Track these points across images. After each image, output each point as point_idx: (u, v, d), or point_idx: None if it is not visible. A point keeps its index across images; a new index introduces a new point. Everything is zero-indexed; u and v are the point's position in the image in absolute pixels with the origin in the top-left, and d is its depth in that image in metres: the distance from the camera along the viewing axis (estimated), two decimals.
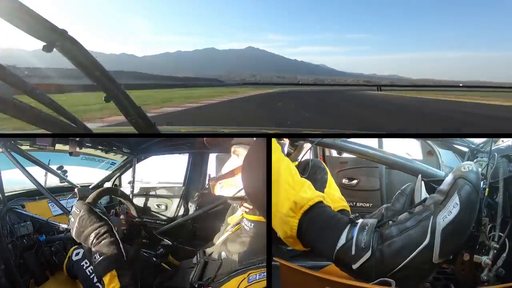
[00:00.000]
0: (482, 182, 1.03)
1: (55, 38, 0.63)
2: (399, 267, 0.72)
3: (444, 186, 0.75)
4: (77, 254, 1.25)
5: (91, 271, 1.18)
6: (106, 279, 0.95)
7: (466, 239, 0.77)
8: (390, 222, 0.79)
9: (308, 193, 0.86)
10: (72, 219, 1.07)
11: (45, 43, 0.63)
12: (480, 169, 0.84)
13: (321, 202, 0.86)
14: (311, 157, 1.27)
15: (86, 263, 1.21)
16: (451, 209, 0.71)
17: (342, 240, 0.78)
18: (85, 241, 1.03)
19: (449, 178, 0.76)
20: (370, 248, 0.74)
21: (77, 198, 1.52)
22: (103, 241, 1.00)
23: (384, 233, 0.76)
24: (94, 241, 1.01)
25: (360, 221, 0.81)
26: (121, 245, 1.02)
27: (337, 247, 0.78)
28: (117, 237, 1.04)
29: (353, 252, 0.76)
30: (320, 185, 1.13)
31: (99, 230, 1.02)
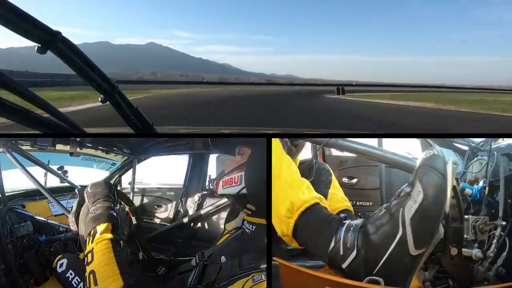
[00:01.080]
0: (482, 181, 1.03)
1: (49, 39, 0.63)
2: (380, 263, 0.71)
3: (411, 176, 0.74)
4: (61, 265, 1.20)
5: (77, 282, 1.14)
6: (100, 228, 0.93)
7: (450, 233, 0.76)
8: (372, 219, 0.79)
9: (305, 195, 0.87)
10: (92, 185, 1.08)
11: (39, 45, 0.63)
12: (442, 150, 0.81)
13: (317, 204, 0.87)
14: (313, 159, 1.29)
15: (71, 274, 1.16)
16: (416, 198, 0.69)
17: (332, 243, 0.79)
18: (89, 198, 1.04)
19: (415, 168, 0.74)
20: (355, 248, 0.75)
21: (77, 199, 1.52)
22: (104, 204, 1.01)
23: (364, 231, 0.76)
24: (98, 199, 1.02)
25: (347, 222, 0.81)
26: (119, 216, 1.03)
27: (329, 250, 0.79)
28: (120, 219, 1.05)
29: (341, 253, 0.77)
30: (324, 186, 1.16)
31: (104, 197, 1.03)
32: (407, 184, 0.75)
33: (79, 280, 1.13)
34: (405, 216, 0.69)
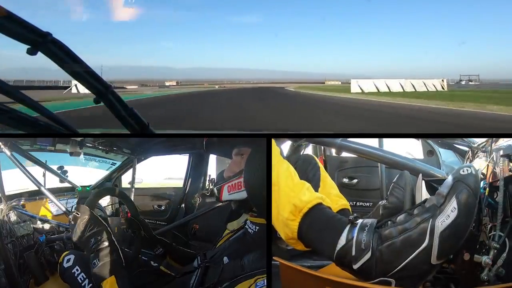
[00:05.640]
0: (482, 182, 1.03)
1: (39, 40, 0.63)
2: (399, 267, 0.73)
3: (443, 188, 0.76)
4: (68, 260, 1.19)
5: (82, 278, 1.14)
6: (105, 285, 0.96)
7: (466, 238, 0.77)
8: (389, 222, 0.79)
9: (306, 196, 0.86)
10: (73, 223, 1.07)
11: (29, 46, 0.63)
12: (480, 170, 0.83)
13: (320, 203, 0.86)
14: (294, 153, 1.21)
15: (77, 270, 1.16)
16: (449, 213, 0.72)
17: (342, 241, 0.79)
18: (85, 246, 1.04)
19: (448, 181, 0.76)
20: (370, 249, 0.75)
21: (77, 198, 1.53)
22: (102, 247, 1.01)
23: (383, 233, 0.77)
24: (94, 246, 1.01)
25: (359, 221, 0.81)
26: (120, 251, 1.03)
27: (338, 248, 0.79)
28: (116, 243, 1.04)
29: (353, 253, 0.77)
30: (313, 184, 1.01)
31: (98, 235, 1.03)
32: (436, 194, 0.76)
33: (84, 276, 1.13)
34: (434, 229, 0.72)
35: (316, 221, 0.84)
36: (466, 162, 1.31)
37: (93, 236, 1.03)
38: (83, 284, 1.13)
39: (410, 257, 0.72)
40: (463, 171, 0.76)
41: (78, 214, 1.08)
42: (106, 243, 1.02)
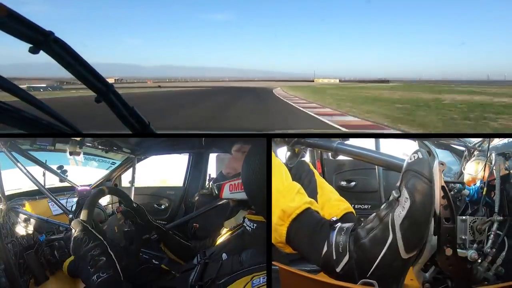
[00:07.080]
0: (479, 181, 1.04)
1: (42, 40, 0.63)
2: (374, 266, 0.73)
3: (398, 181, 0.75)
4: None
5: None
6: None
7: (441, 233, 0.77)
8: (362, 223, 0.79)
9: (295, 201, 0.87)
10: (70, 236, 1.09)
11: (31, 45, 0.63)
12: (431, 149, 0.80)
13: (308, 209, 0.87)
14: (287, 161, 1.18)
15: None
16: (404, 204, 0.70)
17: (325, 247, 0.80)
18: (83, 260, 1.04)
19: (401, 173, 0.75)
20: (348, 251, 0.76)
21: (77, 198, 1.53)
22: (100, 262, 1.00)
23: (356, 235, 0.77)
24: (92, 262, 1.01)
25: (338, 225, 0.82)
26: (117, 265, 1.02)
27: (323, 253, 0.80)
28: (114, 257, 1.04)
29: (334, 257, 0.78)
30: (310, 192, 1.01)
31: (94, 251, 1.02)
32: (396, 189, 0.75)
33: None
34: (394, 222, 0.71)
35: (304, 226, 0.84)
36: (463, 162, 1.32)
37: (90, 251, 1.02)
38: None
39: (380, 255, 0.72)
40: (410, 159, 0.73)
41: (73, 230, 1.08)
42: (103, 258, 1.01)
